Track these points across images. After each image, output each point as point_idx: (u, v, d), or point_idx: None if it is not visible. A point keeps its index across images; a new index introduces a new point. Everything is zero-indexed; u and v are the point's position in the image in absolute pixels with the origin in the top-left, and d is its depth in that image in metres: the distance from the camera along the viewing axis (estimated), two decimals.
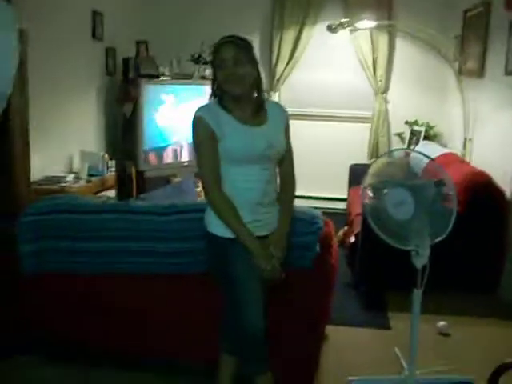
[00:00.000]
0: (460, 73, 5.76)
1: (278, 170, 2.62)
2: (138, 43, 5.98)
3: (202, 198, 3.72)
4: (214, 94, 2.52)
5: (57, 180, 4.47)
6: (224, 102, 2.48)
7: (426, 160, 2.99)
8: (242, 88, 2.46)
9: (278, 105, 2.74)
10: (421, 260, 2.85)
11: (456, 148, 5.75)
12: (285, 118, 2.64)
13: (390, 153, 3.25)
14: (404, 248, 2.87)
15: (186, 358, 3.07)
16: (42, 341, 3.18)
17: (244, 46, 2.46)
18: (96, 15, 5.43)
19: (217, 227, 2.47)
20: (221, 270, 2.53)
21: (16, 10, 2.84)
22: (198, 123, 2.43)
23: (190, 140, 2.54)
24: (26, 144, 3.32)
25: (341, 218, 5.66)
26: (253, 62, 2.48)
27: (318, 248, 2.86)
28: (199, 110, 2.47)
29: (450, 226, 2.80)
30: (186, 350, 3.04)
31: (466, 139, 5.46)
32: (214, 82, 2.49)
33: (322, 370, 3.20)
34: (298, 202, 2.70)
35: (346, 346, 3.57)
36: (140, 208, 3.05)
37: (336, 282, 3.43)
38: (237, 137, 2.42)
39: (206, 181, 2.46)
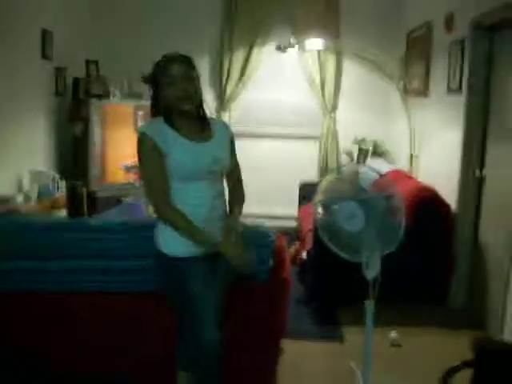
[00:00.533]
0: (405, 92, 5.94)
1: (226, 185, 2.69)
2: (88, 62, 5.95)
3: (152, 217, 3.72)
4: (156, 113, 2.55)
5: (6, 200, 4.39)
6: (169, 119, 2.51)
7: (375, 176, 3.08)
8: (192, 104, 2.51)
9: (221, 121, 2.85)
10: (372, 272, 2.92)
11: (403, 164, 5.91)
12: (229, 133, 2.72)
13: (339, 168, 3.33)
14: (355, 260, 2.93)
15: (144, 377, 3.04)
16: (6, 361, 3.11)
17: (190, 62, 2.53)
18: (46, 34, 5.37)
19: (169, 247, 2.50)
20: (175, 288, 2.54)
21: None
22: (143, 140, 2.45)
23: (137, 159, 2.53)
24: None
25: (292, 235, 5.72)
26: (198, 78, 2.55)
27: (271, 262, 2.89)
28: (143, 127, 2.52)
29: (400, 239, 2.88)
30: (146, 369, 3.02)
31: (412, 156, 5.62)
32: (157, 100, 2.52)
33: (279, 383, 3.22)
34: (248, 220, 2.75)
35: (302, 359, 3.61)
36: (94, 226, 3.03)
37: (290, 297, 3.47)
38: (183, 153, 2.46)
39: (155, 196, 2.48)
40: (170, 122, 2.51)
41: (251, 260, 2.53)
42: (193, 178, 2.47)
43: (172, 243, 2.49)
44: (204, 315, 2.45)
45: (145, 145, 2.45)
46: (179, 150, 2.46)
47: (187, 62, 2.52)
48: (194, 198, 2.49)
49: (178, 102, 2.47)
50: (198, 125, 2.58)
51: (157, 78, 2.50)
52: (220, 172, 2.60)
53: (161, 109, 2.53)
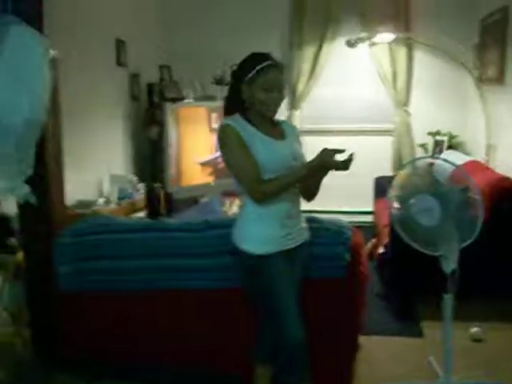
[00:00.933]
0: (480, 81, 5.79)
1: None
2: (161, 68, 6.12)
3: (227, 216, 3.80)
4: (232, 109, 2.56)
5: (88, 204, 4.57)
6: (249, 116, 2.53)
7: (450, 169, 3.04)
8: (276, 112, 2.55)
9: (288, 122, 2.82)
10: (450, 265, 2.89)
11: (479, 156, 5.75)
12: (297, 133, 2.74)
13: (413, 161, 3.29)
14: (433, 254, 2.90)
15: (224, 370, 3.11)
16: (82, 360, 3.26)
17: (283, 69, 2.53)
18: (119, 43, 5.57)
19: (250, 245, 2.50)
20: (257, 286, 2.56)
21: (48, 39, 2.97)
22: (228, 130, 2.46)
23: (220, 152, 2.54)
24: (61, 170, 3.42)
25: (368, 230, 5.67)
26: (284, 86, 2.56)
27: (348, 257, 2.90)
28: (226, 120, 2.51)
29: (477, 231, 2.83)
30: (226, 363, 3.09)
31: (489, 146, 5.47)
32: (239, 95, 2.50)
33: (356, 379, 3.22)
34: (324, 217, 2.75)
35: (380, 355, 3.58)
36: (174, 225, 3.12)
37: (367, 292, 3.47)
38: (265, 148, 2.47)
39: (248, 182, 2.45)
40: (247, 118, 2.52)
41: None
42: (272, 172, 2.47)
43: (254, 241, 2.50)
44: (289, 312, 2.48)
45: (230, 134, 2.45)
46: (261, 144, 2.47)
47: (283, 72, 2.53)
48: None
49: (266, 109, 2.49)
50: (270, 124, 2.61)
51: (249, 75, 2.45)
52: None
53: (238, 105, 2.52)
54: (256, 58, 2.49)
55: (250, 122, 2.52)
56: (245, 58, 2.54)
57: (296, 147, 2.64)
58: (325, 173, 2.52)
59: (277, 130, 2.62)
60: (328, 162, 2.42)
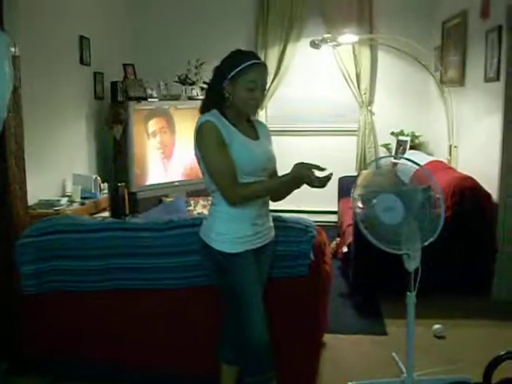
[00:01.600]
0: (442, 82, 5.88)
1: None
2: (124, 66, 6.06)
3: (192, 216, 3.79)
4: (214, 104, 2.50)
5: (51, 204, 4.51)
6: (225, 113, 2.49)
7: (413, 168, 3.08)
8: (257, 111, 2.57)
9: (259, 121, 2.80)
10: (413, 263, 2.92)
11: (442, 155, 5.85)
12: (268, 132, 2.72)
13: (376, 161, 3.33)
14: (396, 252, 2.93)
15: (192, 371, 3.08)
16: (43, 360, 3.21)
17: (267, 68, 2.53)
18: (83, 40, 5.50)
19: (220, 243, 2.49)
20: (226, 285, 2.56)
21: (8, 36, 2.91)
22: (208, 127, 2.41)
23: (191, 150, 2.50)
24: (22, 168, 3.36)
25: (332, 230, 5.72)
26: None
27: (312, 256, 2.91)
28: (206, 115, 2.46)
29: (439, 229, 2.88)
30: (190, 364, 3.07)
31: (451, 146, 5.57)
32: (221, 92, 2.46)
33: (321, 377, 3.25)
34: (289, 216, 2.76)
35: (344, 353, 3.61)
36: (138, 225, 3.10)
37: (331, 291, 3.50)
38: (243, 148, 2.46)
39: (225, 183, 2.42)
40: (225, 115, 2.48)
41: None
42: (249, 173, 2.46)
43: (224, 239, 2.48)
44: (254, 312, 2.49)
45: (209, 131, 2.41)
46: (239, 144, 2.45)
47: (266, 69, 2.52)
48: None
49: (248, 108, 2.48)
50: (246, 124, 2.59)
51: (233, 72, 2.41)
52: (271, 169, 2.61)
53: (218, 101, 2.47)
54: (240, 56, 2.47)
55: (228, 119, 2.48)
56: (228, 55, 2.51)
57: (269, 147, 2.64)
58: (298, 186, 2.45)
59: (251, 129, 2.61)
60: (304, 175, 2.36)
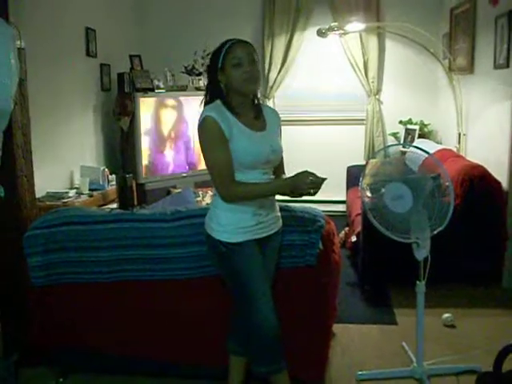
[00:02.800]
0: (450, 70, 5.84)
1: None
2: (131, 57, 6.04)
3: (201, 207, 3.78)
4: (213, 97, 2.52)
5: (59, 196, 4.51)
6: (228, 103, 2.49)
7: (422, 157, 3.06)
8: (257, 87, 2.54)
9: (272, 109, 2.78)
10: (422, 252, 2.92)
11: (451, 144, 5.81)
12: (279, 122, 2.71)
13: (384, 149, 3.31)
14: (405, 241, 2.92)
15: (202, 362, 3.09)
16: (53, 352, 3.23)
17: (252, 46, 2.53)
18: (89, 32, 5.49)
19: (222, 233, 2.50)
20: (230, 275, 2.56)
21: (15, 29, 2.91)
22: (209, 123, 2.42)
23: (197, 141, 2.49)
24: (30, 160, 3.36)
25: (341, 219, 5.71)
26: (258, 62, 2.55)
27: (320, 245, 2.90)
28: (208, 110, 2.46)
29: (449, 217, 2.86)
30: (200, 355, 3.07)
31: (460, 134, 5.53)
32: (215, 84, 2.50)
33: (332, 366, 3.25)
34: (297, 206, 2.75)
35: (354, 342, 3.60)
36: (146, 216, 3.09)
37: (340, 281, 3.49)
38: (244, 141, 2.45)
39: (220, 179, 2.44)
40: (228, 106, 2.49)
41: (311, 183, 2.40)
42: (251, 166, 2.47)
43: (226, 229, 2.49)
44: (261, 301, 2.48)
45: (210, 127, 2.41)
46: (241, 137, 2.45)
47: (251, 45, 2.52)
48: None
49: (244, 83, 2.46)
50: (253, 112, 2.58)
51: (220, 61, 2.46)
52: (275, 162, 2.60)
53: (219, 93, 2.50)
54: (221, 44, 2.50)
55: (231, 109, 2.48)
56: (213, 51, 2.54)
57: (275, 138, 2.62)
58: (295, 195, 2.45)
59: (258, 118, 2.59)
60: (301, 189, 2.38)
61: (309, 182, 2.36)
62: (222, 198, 2.47)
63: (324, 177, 2.39)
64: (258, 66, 2.52)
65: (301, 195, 2.42)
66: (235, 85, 2.46)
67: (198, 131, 2.46)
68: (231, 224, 2.49)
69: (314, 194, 2.40)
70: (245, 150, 2.44)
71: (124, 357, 3.15)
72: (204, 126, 2.43)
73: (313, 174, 2.39)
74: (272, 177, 2.61)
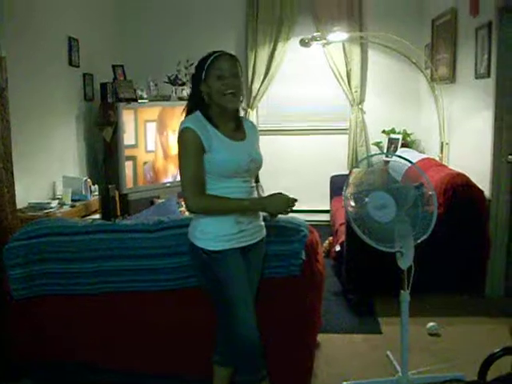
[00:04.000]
0: (432, 79, 5.88)
1: None
2: (114, 67, 6.02)
3: (184, 217, 3.76)
4: (193, 108, 2.54)
5: (41, 207, 4.46)
6: (208, 115, 2.50)
7: (405, 166, 3.06)
8: (238, 101, 2.54)
9: (251, 122, 2.80)
10: (406, 261, 2.92)
11: (434, 153, 5.85)
12: (257, 133, 2.74)
13: (366, 159, 3.31)
14: (389, 250, 2.92)
15: (185, 372, 3.07)
16: (32, 366, 3.17)
17: (237, 59, 2.54)
18: (72, 41, 5.46)
19: (203, 241, 2.49)
20: (212, 283, 2.54)
21: None
22: (187, 134, 2.44)
23: (176, 151, 2.51)
24: (10, 170, 3.32)
25: (325, 229, 5.72)
26: (241, 77, 2.56)
27: (304, 255, 2.89)
28: (187, 121, 2.49)
29: (432, 226, 2.86)
30: (184, 365, 3.05)
31: (442, 143, 5.56)
32: (196, 95, 2.51)
33: (316, 377, 3.23)
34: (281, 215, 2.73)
35: (339, 352, 3.59)
36: (128, 226, 3.06)
37: (324, 290, 3.48)
38: (223, 151, 2.46)
39: (188, 188, 2.45)
40: (208, 117, 2.50)
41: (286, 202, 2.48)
42: (231, 175, 2.48)
43: (208, 237, 2.49)
44: (242, 310, 2.47)
45: (188, 138, 2.44)
46: (220, 147, 2.46)
47: (235, 59, 2.54)
48: (228, 194, 2.48)
49: (225, 98, 2.47)
50: (232, 123, 2.59)
51: (203, 72, 2.47)
52: (255, 170, 2.60)
53: (200, 104, 2.51)
54: (206, 55, 2.51)
55: (210, 120, 2.50)
56: (198, 62, 2.55)
57: (255, 147, 2.63)
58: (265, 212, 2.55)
59: (238, 129, 2.60)
60: (274, 211, 2.48)
61: (284, 204, 2.46)
62: (187, 208, 2.49)
63: (295, 198, 2.50)
64: (241, 80, 2.54)
65: (273, 214, 2.51)
66: (216, 97, 2.48)
67: (177, 142, 2.49)
68: (213, 232, 2.49)
69: (286, 213, 2.50)
70: (224, 160, 2.46)
71: (109, 369, 3.11)
72: (182, 136, 2.46)
73: (285, 196, 2.48)
74: (253, 185, 2.61)
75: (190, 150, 2.44)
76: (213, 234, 2.49)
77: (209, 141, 2.44)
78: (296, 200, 2.49)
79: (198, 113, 2.52)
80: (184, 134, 2.45)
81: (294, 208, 2.52)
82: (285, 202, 2.45)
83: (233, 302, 2.48)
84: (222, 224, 2.49)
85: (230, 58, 2.50)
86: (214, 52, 2.51)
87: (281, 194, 2.48)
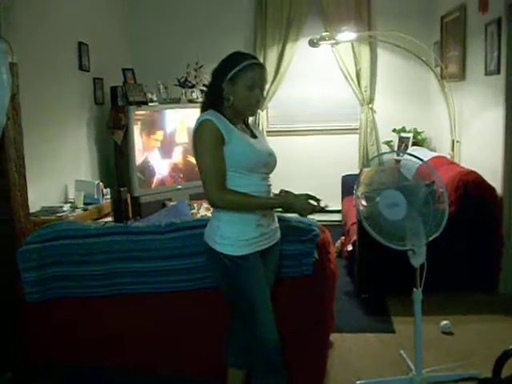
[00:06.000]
0: (442, 77, 5.86)
1: None
2: (124, 71, 6.05)
3: (195, 218, 3.77)
4: (216, 104, 2.49)
5: (53, 210, 4.49)
6: (224, 114, 2.49)
7: (416, 164, 3.06)
8: (256, 111, 2.59)
9: (254, 126, 2.78)
10: (418, 259, 2.91)
11: (445, 151, 5.82)
12: (265, 138, 2.74)
13: (377, 157, 3.30)
14: (401, 248, 2.91)
15: (201, 374, 3.06)
16: (48, 368, 3.20)
17: (266, 70, 2.56)
18: (82, 46, 5.50)
19: (225, 246, 2.46)
20: (233, 287, 2.52)
21: (6, 44, 2.90)
22: (207, 126, 2.41)
23: (192, 154, 2.50)
24: (23, 174, 3.35)
25: (337, 229, 5.71)
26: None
27: (316, 255, 2.89)
28: (205, 114, 2.45)
29: (444, 224, 2.86)
30: (194, 366, 3.06)
31: (453, 141, 5.54)
32: (220, 93, 2.46)
33: (330, 376, 3.23)
34: (293, 215, 2.74)
35: (352, 352, 3.59)
36: (140, 228, 3.08)
37: (337, 290, 3.47)
38: (244, 143, 2.46)
39: (213, 182, 2.40)
40: (223, 116, 2.48)
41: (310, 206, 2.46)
42: (250, 169, 2.46)
43: (230, 242, 2.45)
44: (264, 315, 2.47)
45: (208, 130, 2.40)
46: (239, 140, 2.45)
47: (265, 70, 2.54)
48: (250, 190, 2.46)
49: (248, 108, 2.49)
50: (242, 124, 2.61)
51: (232, 72, 2.43)
52: (272, 166, 2.60)
53: (217, 101, 2.48)
54: (240, 57, 2.48)
55: (227, 118, 2.49)
56: (227, 57, 2.52)
57: (268, 145, 2.65)
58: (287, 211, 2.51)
59: (247, 131, 2.61)
60: (300, 210, 2.45)
61: (308, 208, 2.44)
62: (210, 203, 2.46)
63: (324, 205, 2.48)
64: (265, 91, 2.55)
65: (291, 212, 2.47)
66: (239, 104, 2.47)
67: (195, 136, 2.45)
68: (235, 237, 2.46)
69: (305, 216, 2.50)
70: (244, 151, 2.45)
71: (122, 370, 3.12)
72: (201, 129, 2.43)
73: (313, 198, 2.47)
74: (270, 183, 2.59)
75: (210, 141, 2.40)
76: (234, 239, 2.45)
77: (229, 132, 2.42)
78: (325, 207, 2.49)
79: (212, 111, 2.47)
80: (203, 126, 2.42)
81: None
82: (311, 207, 2.44)
83: (254, 306, 2.47)
84: (242, 228, 2.46)
85: (263, 71, 2.51)
86: (245, 55, 2.49)
87: (308, 195, 2.48)
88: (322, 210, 2.48)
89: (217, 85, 2.48)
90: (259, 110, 6.73)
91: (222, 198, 2.42)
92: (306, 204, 2.44)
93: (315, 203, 2.47)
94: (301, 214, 2.48)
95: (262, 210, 2.50)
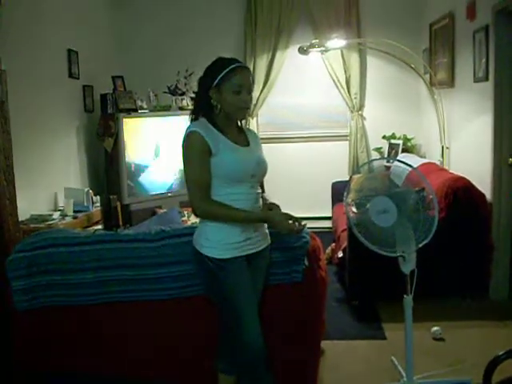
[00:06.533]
0: (431, 84, 5.89)
1: None
2: (114, 78, 6.04)
3: (186, 226, 3.76)
4: (203, 111, 2.52)
5: (43, 218, 4.47)
6: (215, 121, 2.50)
7: (406, 171, 3.07)
8: (246, 114, 2.58)
9: (252, 131, 2.82)
10: (408, 265, 2.91)
11: (434, 157, 5.85)
12: (259, 141, 2.74)
13: (367, 164, 3.31)
14: (391, 255, 2.92)
15: (187, 381, 3.05)
16: (38, 377, 3.16)
17: (250, 71, 2.57)
18: (71, 53, 5.49)
19: (209, 249, 2.49)
20: (217, 291, 2.54)
21: None
22: (193, 138, 2.43)
23: (180, 156, 2.49)
24: (12, 183, 3.33)
25: (327, 236, 5.71)
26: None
27: (306, 261, 2.89)
28: (193, 125, 2.48)
29: (434, 230, 2.86)
30: (184, 375, 3.03)
31: (443, 148, 5.56)
32: (208, 101, 2.48)
33: (321, 383, 3.22)
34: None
35: (343, 359, 3.59)
36: (130, 236, 3.06)
37: (328, 297, 3.46)
38: (231, 154, 2.46)
39: (194, 193, 2.45)
40: (213, 123, 2.50)
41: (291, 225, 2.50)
42: (237, 179, 2.47)
43: (214, 245, 2.48)
44: (248, 319, 2.47)
45: (194, 142, 2.43)
46: (227, 150, 2.46)
47: (250, 72, 2.55)
48: (236, 202, 2.48)
49: (238, 112, 2.50)
50: (235, 129, 2.61)
51: (217, 79, 2.44)
52: (261, 176, 2.61)
53: (206, 108, 2.50)
54: (222, 62, 2.50)
55: (215, 127, 2.50)
56: (211, 64, 2.53)
57: (259, 153, 2.65)
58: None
59: (241, 136, 2.61)
60: (279, 230, 2.50)
61: (285, 229, 2.48)
62: (194, 212, 2.50)
63: (303, 223, 2.52)
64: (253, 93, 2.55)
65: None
66: (228, 109, 2.48)
67: (182, 146, 2.48)
68: (219, 240, 2.49)
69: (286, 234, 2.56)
70: (231, 162, 2.45)
71: (112, 379, 3.10)
72: (188, 140, 2.45)
73: (293, 219, 2.51)
74: (259, 191, 2.60)
75: (196, 153, 2.43)
76: (219, 242, 2.48)
77: (216, 143, 2.44)
78: (304, 226, 2.52)
79: (202, 119, 2.51)
80: (190, 138, 2.44)
81: (296, 215, 2.53)
82: (292, 227, 2.48)
83: (238, 310, 2.48)
84: (228, 232, 2.48)
85: (248, 72, 2.52)
86: (227, 60, 2.50)
87: (289, 216, 2.51)
88: (298, 232, 2.54)
89: (204, 93, 2.50)
90: (249, 117, 6.73)
91: (205, 210, 2.47)
92: (285, 224, 2.47)
93: (295, 225, 2.49)
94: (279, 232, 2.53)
95: (246, 223, 2.51)
